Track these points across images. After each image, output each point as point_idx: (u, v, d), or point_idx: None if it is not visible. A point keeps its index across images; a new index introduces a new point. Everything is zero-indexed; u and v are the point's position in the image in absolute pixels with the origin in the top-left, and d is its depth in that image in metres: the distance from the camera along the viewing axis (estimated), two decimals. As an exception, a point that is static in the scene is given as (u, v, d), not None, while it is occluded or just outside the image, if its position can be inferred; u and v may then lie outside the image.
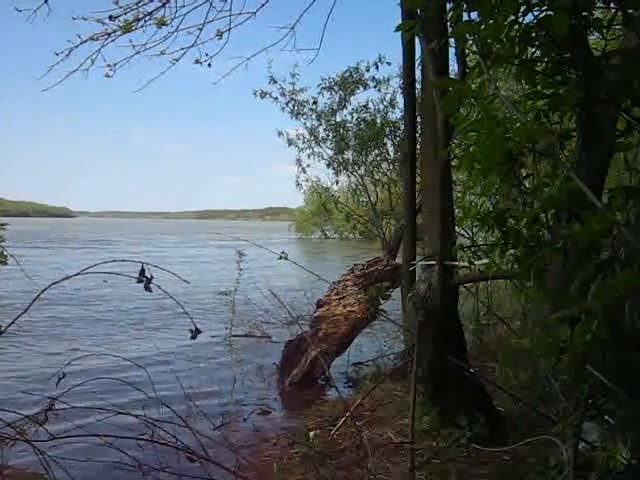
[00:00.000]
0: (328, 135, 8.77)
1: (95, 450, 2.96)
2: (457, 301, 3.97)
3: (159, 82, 5.29)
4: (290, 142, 9.06)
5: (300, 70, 8.58)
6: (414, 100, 5.04)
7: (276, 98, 8.63)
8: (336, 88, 8.42)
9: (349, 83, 8.34)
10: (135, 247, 28.71)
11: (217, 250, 25.70)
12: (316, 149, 8.97)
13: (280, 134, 9.13)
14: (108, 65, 4.88)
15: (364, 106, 8.46)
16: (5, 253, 3.39)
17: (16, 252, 3.67)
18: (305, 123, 8.83)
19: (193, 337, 2.83)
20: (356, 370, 6.12)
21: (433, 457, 3.36)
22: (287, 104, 8.69)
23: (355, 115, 8.53)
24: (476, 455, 3.31)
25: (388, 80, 8.39)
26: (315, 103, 8.60)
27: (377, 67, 8.17)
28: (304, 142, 8.98)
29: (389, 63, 8.12)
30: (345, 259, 11.58)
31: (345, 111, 8.58)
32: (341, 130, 8.59)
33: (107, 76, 4.95)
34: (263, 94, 8.59)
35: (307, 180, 9.47)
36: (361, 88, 8.42)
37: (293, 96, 8.62)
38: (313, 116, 8.72)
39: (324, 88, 8.45)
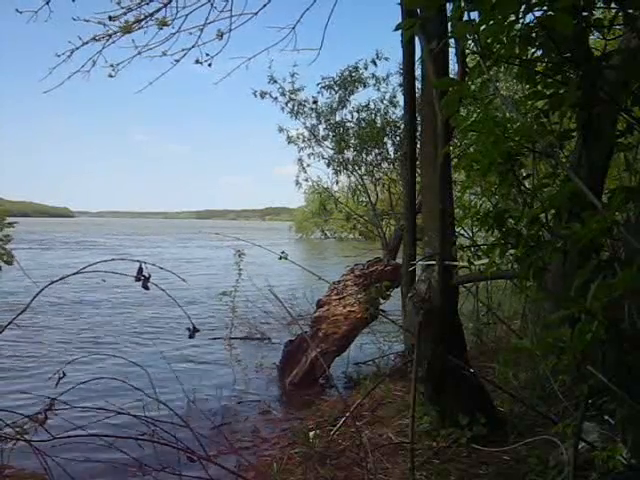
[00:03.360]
0: (328, 134, 8.79)
1: (95, 450, 2.96)
2: (457, 301, 3.97)
3: (159, 82, 5.23)
4: (290, 140, 9.08)
5: (301, 70, 8.64)
6: (414, 100, 5.04)
7: (275, 98, 8.66)
8: (336, 87, 8.44)
9: (349, 82, 8.36)
10: (121, 249, 27.98)
11: (215, 251, 25.66)
12: (316, 149, 9.00)
13: (281, 130, 9.14)
14: (111, 65, 4.90)
15: (365, 106, 8.48)
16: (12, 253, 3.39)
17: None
18: (305, 123, 8.86)
19: (191, 336, 2.83)
20: (356, 370, 6.11)
21: (433, 457, 3.36)
22: (287, 104, 8.71)
23: (355, 115, 8.56)
24: (476, 455, 3.31)
25: (387, 77, 8.42)
26: (315, 102, 8.63)
27: (375, 64, 8.22)
28: (304, 141, 9.01)
29: (387, 58, 8.15)
30: (345, 259, 11.57)
31: (345, 110, 8.62)
32: (341, 129, 8.60)
33: (110, 76, 4.96)
34: (263, 94, 8.61)
35: (307, 180, 9.50)
36: (360, 87, 8.45)
37: (292, 96, 8.64)
38: (313, 115, 8.74)
39: (324, 87, 8.47)
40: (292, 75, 8.49)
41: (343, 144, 8.57)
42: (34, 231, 37.89)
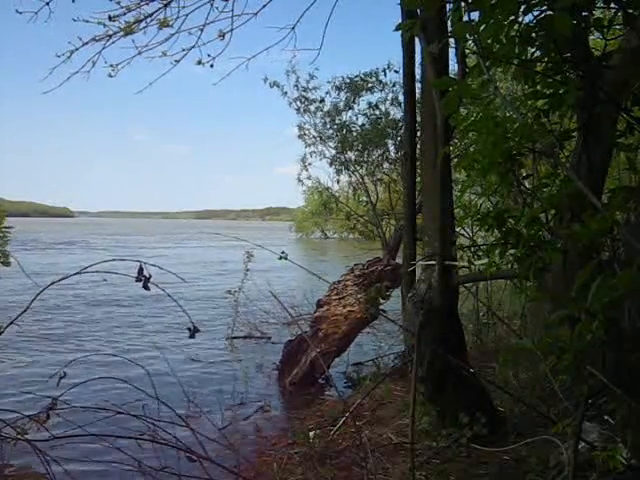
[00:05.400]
0: (332, 134, 8.83)
1: (95, 450, 2.96)
2: (457, 301, 3.97)
3: (159, 82, 5.22)
4: (300, 135, 9.15)
5: (300, 69, 8.67)
6: (414, 100, 5.04)
7: (285, 92, 8.69)
8: (345, 89, 8.50)
9: (359, 86, 8.43)
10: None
11: (214, 252, 25.62)
12: (319, 147, 9.07)
13: (301, 128, 9.17)
14: (111, 66, 4.91)
15: (375, 105, 8.52)
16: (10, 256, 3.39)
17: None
18: (310, 121, 8.92)
19: (191, 336, 2.82)
20: (356, 370, 6.11)
21: (433, 457, 3.36)
22: (295, 100, 8.74)
23: (361, 115, 8.63)
24: (476, 455, 3.31)
25: (394, 85, 8.50)
26: (322, 101, 8.68)
27: (385, 73, 8.35)
28: (310, 138, 9.06)
29: (396, 71, 8.22)
30: (345, 259, 11.57)
31: (350, 112, 8.68)
32: (344, 130, 8.64)
33: (110, 76, 4.98)
34: (275, 84, 8.63)
35: (309, 178, 9.56)
36: (367, 92, 8.54)
37: (304, 93, 8.69)
38: (318, 114, 8.79)
39: (332, 87, 8.55)
40: (311, 76, 8.59)
41: (346, 144, 8.60)
42: (33, 230, 37.76)
